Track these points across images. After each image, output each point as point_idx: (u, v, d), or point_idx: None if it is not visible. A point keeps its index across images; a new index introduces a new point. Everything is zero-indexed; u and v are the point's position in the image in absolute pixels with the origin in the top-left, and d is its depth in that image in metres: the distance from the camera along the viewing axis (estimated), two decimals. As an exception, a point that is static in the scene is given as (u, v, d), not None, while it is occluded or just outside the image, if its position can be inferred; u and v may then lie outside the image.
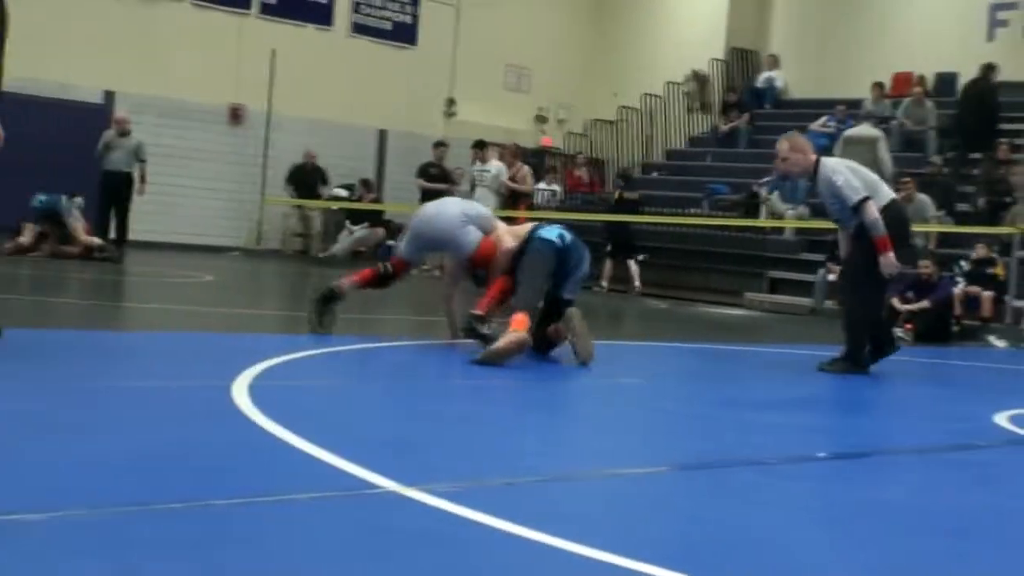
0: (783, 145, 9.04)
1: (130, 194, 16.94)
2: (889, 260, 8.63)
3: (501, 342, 7.45)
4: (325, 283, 8.52)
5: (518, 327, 7.56)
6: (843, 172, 8.85)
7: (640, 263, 19.46)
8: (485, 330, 8.04)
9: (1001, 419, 6.66)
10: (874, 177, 9.10)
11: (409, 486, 3.68)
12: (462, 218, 8.44)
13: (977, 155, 18.86)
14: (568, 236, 8.22)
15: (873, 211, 8.65)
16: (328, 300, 8.40)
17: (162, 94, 21.03)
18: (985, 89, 19.10)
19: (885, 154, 18.40)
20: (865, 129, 18.82)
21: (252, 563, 2.88)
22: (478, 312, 8.09)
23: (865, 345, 9.01)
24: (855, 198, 8.66)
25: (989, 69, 19.24)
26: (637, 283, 19.02)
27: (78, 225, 15.98)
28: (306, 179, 22.14)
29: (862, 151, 18.00)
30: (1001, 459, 5.55)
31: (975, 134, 18.84)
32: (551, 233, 8.20)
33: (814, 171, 8.95)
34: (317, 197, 22.10)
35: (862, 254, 8.79)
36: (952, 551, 3.57)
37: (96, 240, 15.95)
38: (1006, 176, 17.16)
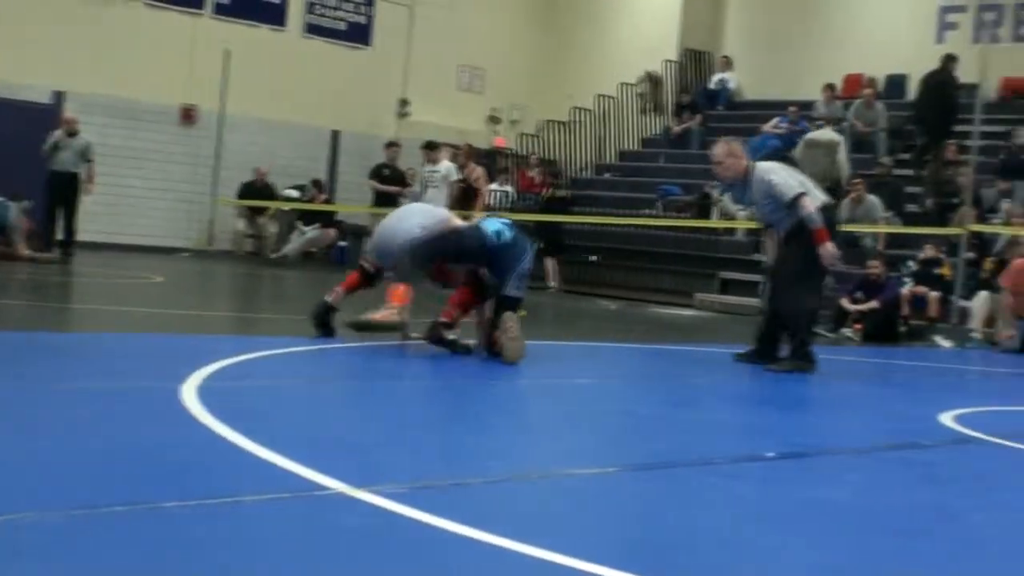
0: (719, 150, 9.29)
1: (77, 194, 16.84)
2: (828, 249, 8.86)
3: (376, 315, 8.05)
4: (319, 298, 8.65)
5: (396, 301, 8.10)
6: (777, 172, 9.11)
7: (592, 263, 19.54)
8: (450, 336, 8.13)
9: (946, 419, 6.74)
10: (808, 181, 9.36)
11: (359, 487, 3.68)
12: (421, 233, 8.44)
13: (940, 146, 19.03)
14: (507, 233, 8.22)
15: (809, 204, 8.87)
16: (325, 318, 8.56)
17: (113, 94, 20.88)
18: (945, 80, 19.20)
19: (844, 158, 18.58)
20: (826, 133, 18.94)
21: (201, 565, 2.88)
22: (444, 320, 8.15)
23: (809, 340, 9.15)
24: (790, 194, 8.87)
25: (949, 60, 19.38)
26: (553, 282, 19.18)
27: (19, 235, 15.88)
28: (257, 197, 22.08)
29: (822, 154, 18.19)
30: (946, 458, 5.61)
31: (936, 128, 18.94)
32: (490, 227, 8.24)
33: (747, 175, 9.15)
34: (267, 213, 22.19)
35: (799, 250, 8.98)
36: (899, 550, 3.61)
37: (27, 252, 15.81)
38: (954, 177, 17.33)
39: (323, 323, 8.56)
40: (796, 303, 9.09)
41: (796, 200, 8.86)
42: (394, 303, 8.23)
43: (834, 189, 17.76)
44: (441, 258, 8.28)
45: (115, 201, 20.84)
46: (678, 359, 10.28)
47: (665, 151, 23.72)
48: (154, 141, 21.58)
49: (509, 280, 8.11)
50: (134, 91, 21.10)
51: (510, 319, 7.89)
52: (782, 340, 9.24)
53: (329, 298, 8.58)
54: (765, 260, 9.75)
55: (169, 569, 2.83)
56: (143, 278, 14.44)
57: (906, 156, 20.18)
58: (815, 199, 9.03)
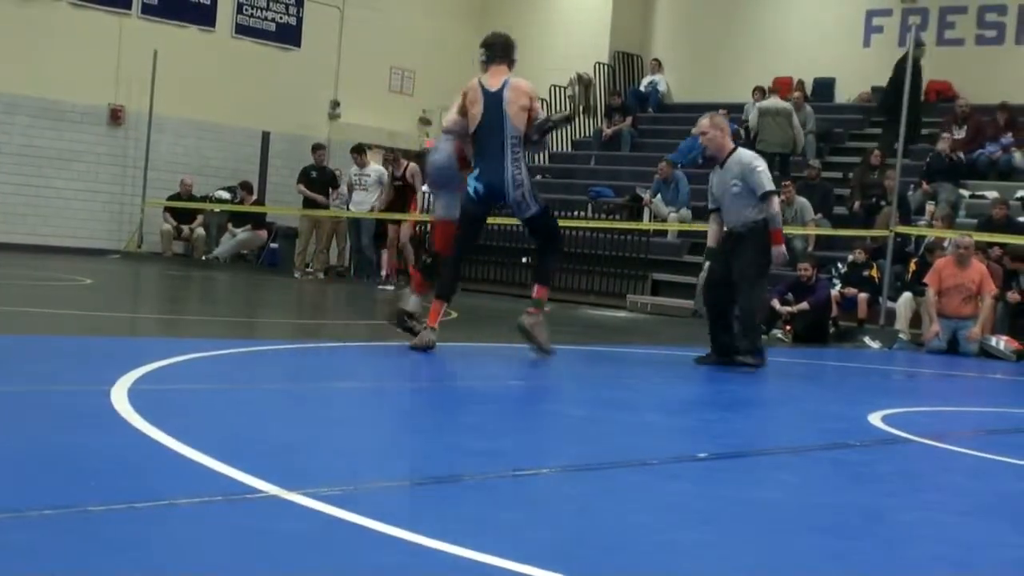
0: (704, 121, 9.65)
1: None
2: (781, 250, 9.38)
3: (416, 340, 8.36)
4: (394, 308, 9.06)
5: (432, 322, 8.43)
6: (762, 163, 9.56)
7: (523, 265, 19.56)
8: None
9: (875, 419, 6.81)
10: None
11: (291, 490, 3.66)
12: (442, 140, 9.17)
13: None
14: (480, 187, 8.61)
15: (777, 204, 9.37)
16: (405, 324, 8.82)
17: (39, 94, 20.66)
18: (913, 62, 19.39)
19: (799, 126, 19.09)
20: (776, 101, 19.30)
21: (131, 569, 2.84)
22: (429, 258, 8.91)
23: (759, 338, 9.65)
24: (768, 187, 9.28)
25: (918, 46, 19.60)
26: (384, 272, 19.23)
27: None
28: (183, 209, 21.94)
29: (782, 122, 18.57)
30: (874, 458, 5.67)
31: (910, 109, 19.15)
32: (470, 184, 8.65)
33: (728, 154, 9.50)
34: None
35: (756, 250, 9.32)
36: (826, 549, 3.64)
37: None
38: (881, 180, 17.53)
39: (407, 328, 8.79)
40: (754, 301, 9.49)
41: (768, 195, 9.25)
42: (431, 324, 8.52)
43: (789, 156, 18.33)
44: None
45: (42, 203, 20.65)
46: (611, 360, 10.31)
47: (596, 153, 23.79)
48: (81, 142, 21.37)
49: (527, 203, 8.67)
50: (60, 91, 20.88)
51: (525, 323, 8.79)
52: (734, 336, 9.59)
53: (401, 307, 8.88)
54: (708, 244, 10.04)
55: (98, 574, 2.80)
56: (71, 280, 14.28)
57: (834, 159, 20.44)
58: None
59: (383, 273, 19.15)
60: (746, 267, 9.36)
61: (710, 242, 9.92)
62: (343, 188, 20.39)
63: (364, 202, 19.02)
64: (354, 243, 19.95)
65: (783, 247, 9.41)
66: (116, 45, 21.62)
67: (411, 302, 8.82)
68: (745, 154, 9.58)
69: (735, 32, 24.07)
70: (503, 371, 8.42)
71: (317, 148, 20.68)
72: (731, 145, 9.61)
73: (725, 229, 9.65)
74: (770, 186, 9.31)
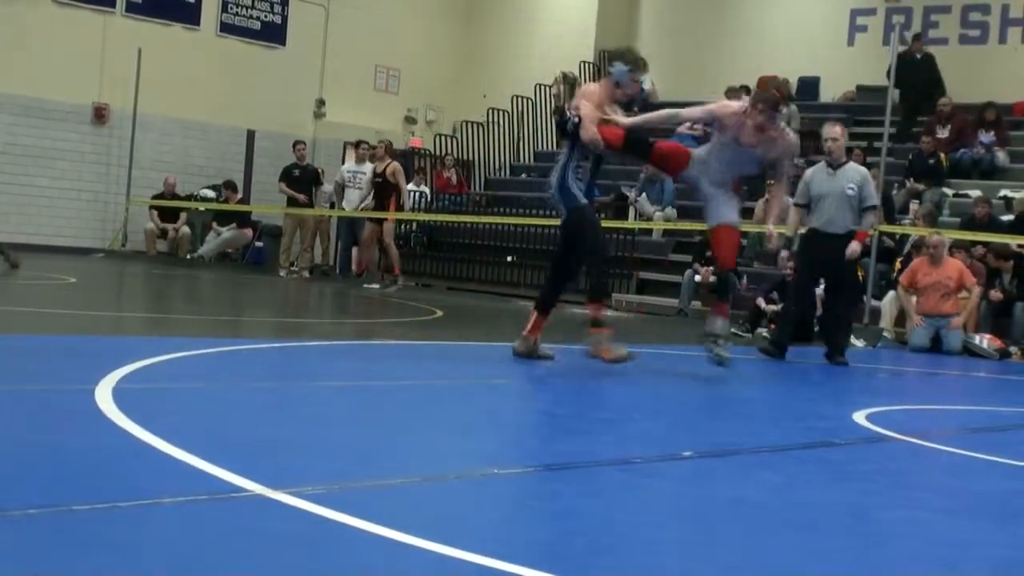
0: (838, 129, 10.87)
1: None
2: (856, 249, 10.72)
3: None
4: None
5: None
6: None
7: (509, 264, 19.58)
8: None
9: (859, 417, 6.82)
10: None
11: (277, 489, 3.66)
12: None
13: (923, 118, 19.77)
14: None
15: (874, 220, 11.28)
16: (710, 346, 9.02)
17: (23, 93, 20.60)
18: (917, 52, 19.58)
19: (796, 124, 19.29)
20: None
21: (116, 568, 2.84)
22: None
23: None
24: (877, 201, 10.91)
25: (915, 39, 19.74)
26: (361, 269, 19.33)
27: None
28: (168, 208, 21.89)
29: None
30: (859, 456, 5.68)
31: (918, 102, 19.34)
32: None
33: (844, 161, 10.80)
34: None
35: (851, 264, 10.85)
36: (811, 548, 3.64)
37: None
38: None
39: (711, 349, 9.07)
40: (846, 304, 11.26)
41: (874, 208, 10.76)
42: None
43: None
44: None
45: (26, 201, 20.61)
46: (596, 359, 10.29)
47: (581, 152, 23.75)
48: (66, 140, 21.32)
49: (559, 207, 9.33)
50: (44, 90, 20.83)
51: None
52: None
53: (713, 330, 9.00)
54: (787, 232, 11.50)
55: (82, 573, 2.79)
56: (55, 279, 14.24)
57: (818, 158, 20.46)
58: None
59: (354, 269, 19.17)
60: (851, 276, 11.09)
61: (789, 232, 11.34)
62: (326, 186, 20.37)
63: (356, 202, 19.01)
64: (347, 241, 19.91)
65: (859, 246, 10.76)
66: (100, 43, 21.56)
67: (717, 325, 8.85)
68: (862, 168, 10.95)
69: (720, 31, 24.10)
70: (488, 370, 8.42)
71: (297, 144, 20.61)
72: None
73: (816, 227, 10.72)
74: (878, 200, 11.01)
